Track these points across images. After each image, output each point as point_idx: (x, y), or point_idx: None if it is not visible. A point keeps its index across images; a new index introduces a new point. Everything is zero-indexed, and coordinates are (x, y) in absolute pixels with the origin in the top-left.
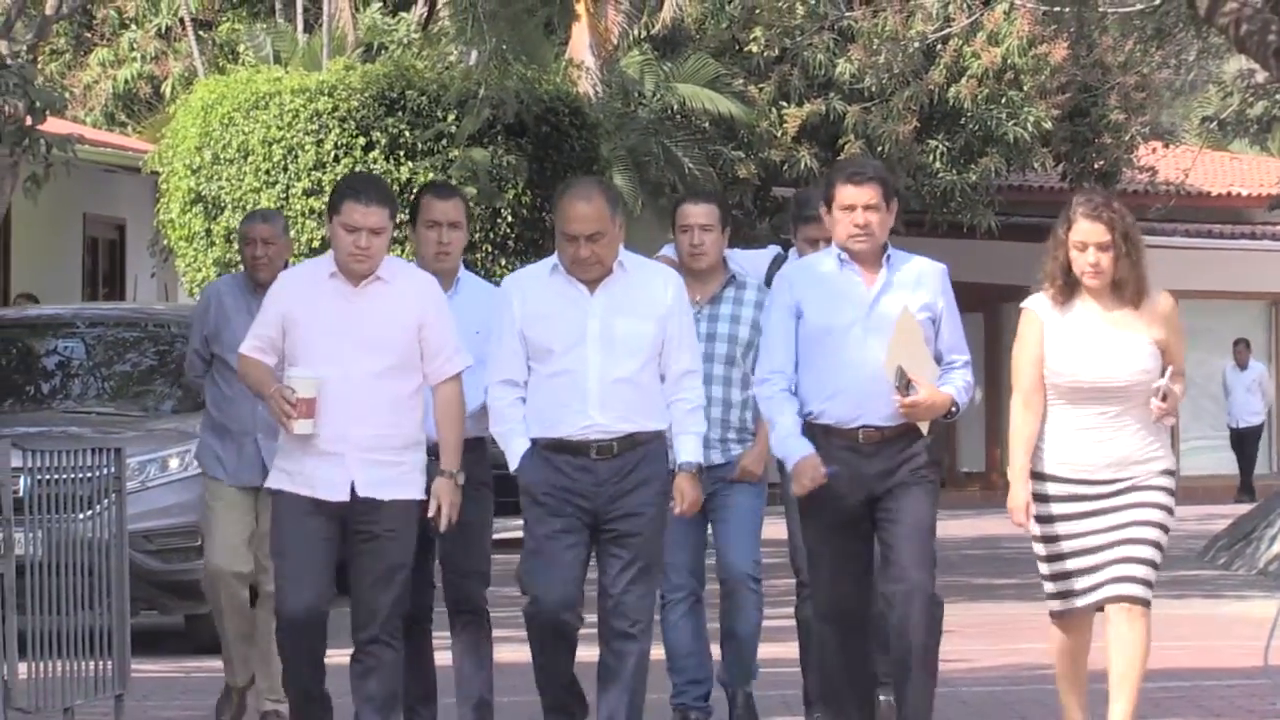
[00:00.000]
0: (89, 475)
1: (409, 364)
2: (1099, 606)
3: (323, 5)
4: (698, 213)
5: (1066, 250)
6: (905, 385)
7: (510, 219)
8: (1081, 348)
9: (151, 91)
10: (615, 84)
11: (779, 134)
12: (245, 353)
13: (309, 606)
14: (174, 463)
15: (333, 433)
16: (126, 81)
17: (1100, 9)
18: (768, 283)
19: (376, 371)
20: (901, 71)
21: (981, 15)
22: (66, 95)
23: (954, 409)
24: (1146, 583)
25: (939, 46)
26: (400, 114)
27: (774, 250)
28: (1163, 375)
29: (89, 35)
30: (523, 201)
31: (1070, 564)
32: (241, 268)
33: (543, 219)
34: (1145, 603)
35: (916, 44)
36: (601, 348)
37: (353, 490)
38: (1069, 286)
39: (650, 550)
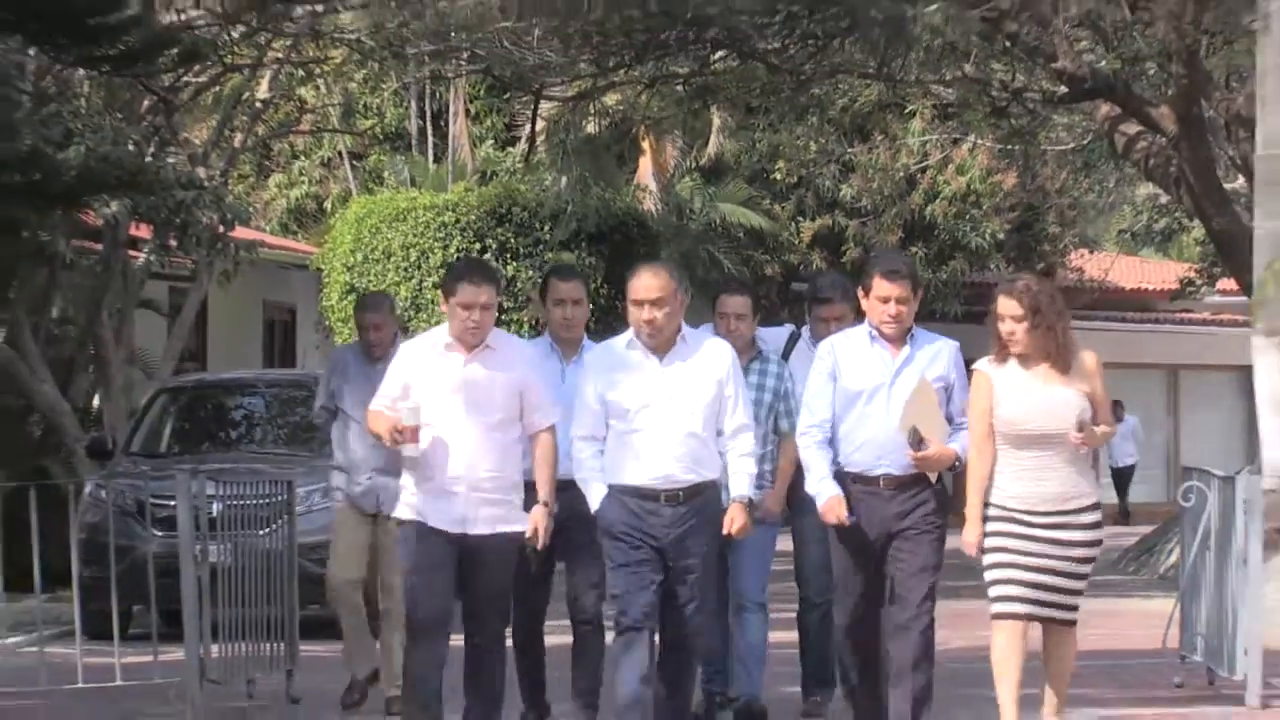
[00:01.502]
0: (267, 501)
1: (512, 419)
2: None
3: (448, 141)
4: (734, 303)
5: (995, 320)
6: (918, 442)
7: (590, 308)
8: (1022, 401)
9: (316, 207)
10: (671, 203)
11: (796, 242)
12: (374, 409)
13: (434, 615)
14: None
15: (450, 476)
16: (297, 199)
17: (1042, 147)
18: (785, 355)
19: (487, 425)
20: (890, 194)
21: (950, 151)
22: (250, 210)
23: (958, 462)
24: (1074, 607)
25: (918, 175)
26: (507, 225)
27: (789, 329)
28: (1083, 422)
29: (268, 163)
30: (600, 294)
31: (1014, 580)
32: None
33: (616, 307)
34: (1073, 623)
35: (901, 173)
36: (669, 408)
37: (465, 524)
38: (1005, 351)
39: (701, 580)
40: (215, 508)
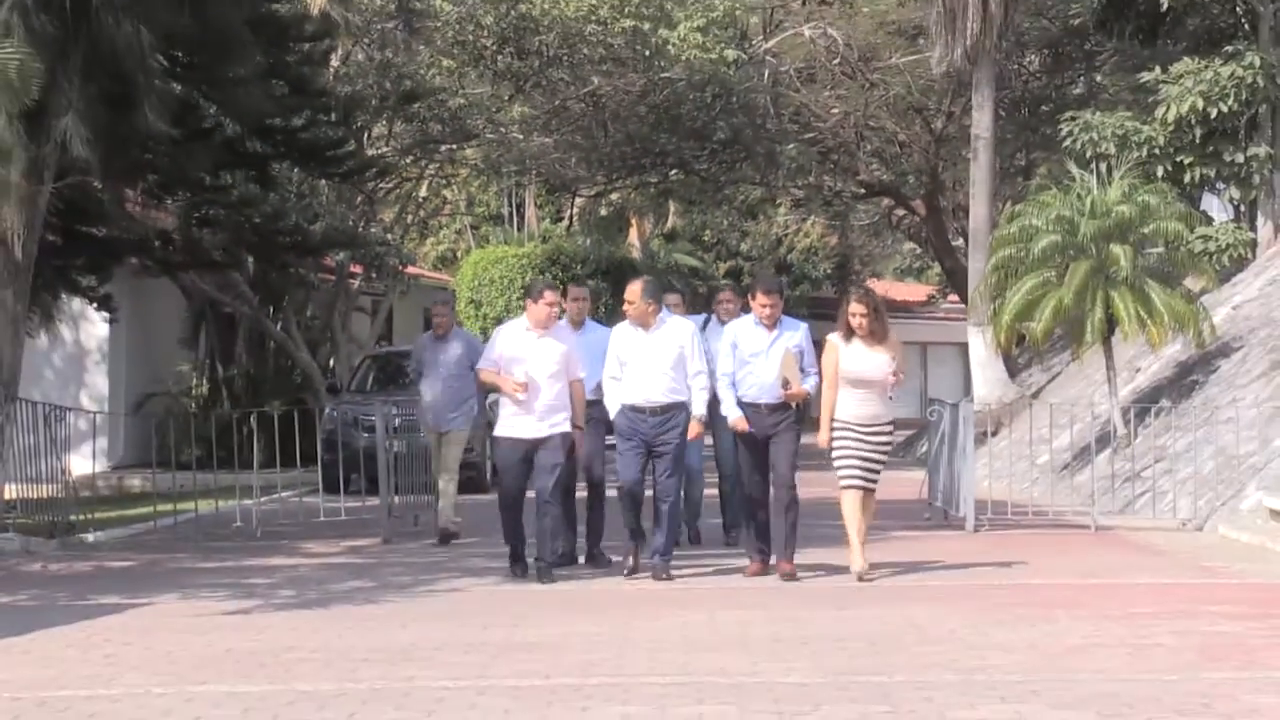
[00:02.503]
0: None
1: (562, 372)
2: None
3: (524, 218)
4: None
5: (847, 315)
6: (785, 384)
7: (600, 314)
8: (857, 360)
9: (452, 256)
10: (647, 253)
11: (716, 274)
12: (482, 368)
13: (515, 491)
14: None
15: (529, 405)
16: (441, 251)
17: (851, 222)
18: (702, 329)
19: (549, 374)
20: (766, 248)
21: (801, 225)
22: (415, 257)
23: (809, 395)
24: (875, 479)
25: (783, 238)
26: (557, 265)
27: (705, 315)
28: (894, 373)
29: (426, 231)
30: (607, 305)
31: (850, 465)
32: (437, 327)
33: (618, 309)
34: (873, 490)
35: (773, 237)
36: (652, 358)
37: (537, 433)
38: (850, 332)
39: (677, 461)
40: (396, 421)
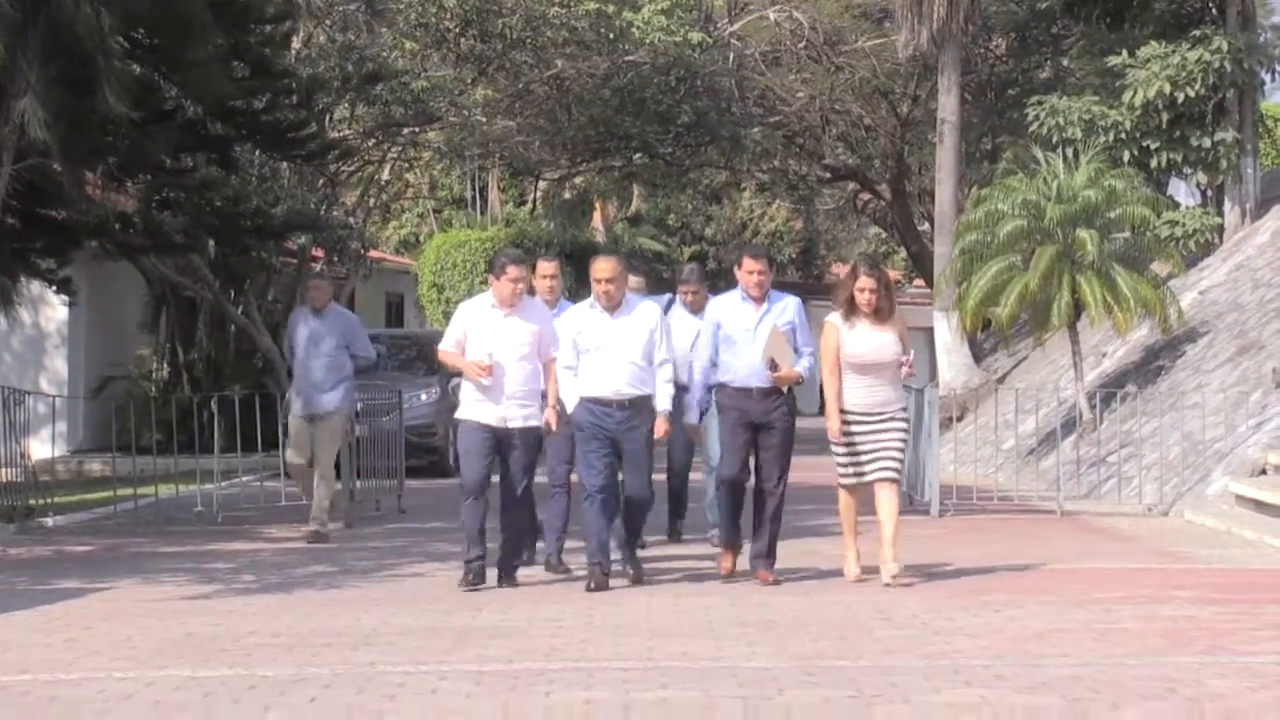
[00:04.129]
0: (386, 401)
1: (533, 352)
2: (869, 484)
3: (488, 202)
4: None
5: (852, 290)
6: (773, 366)
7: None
8: (862, 342)
9: (415, 239)
10: (611, 237)
11: (680, 259)
12: (443, 348)
13: (478, 480)
14: (423, 396)
15: (494, 388)
16: (404, 234)
17: (816, 206)
18: (665, 311)
19: (518, 356)
20: (731, 233)
21: (766, 209)
22: (378, 240)
23: (801, 379)
24: (897, 470)
25: (748, 221)
26: (520, 249)
27: (668, 296)
28: (905, 354)
29: (388, 214)
30: (570, 290)
31: (858, 458)
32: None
33: (582, 293)
34: (897, 480)
35: (738, 221)
36: (617, 346)
37: (505, 421)
38: (853, 309)
39: (643, 458)
40: (358, 405)
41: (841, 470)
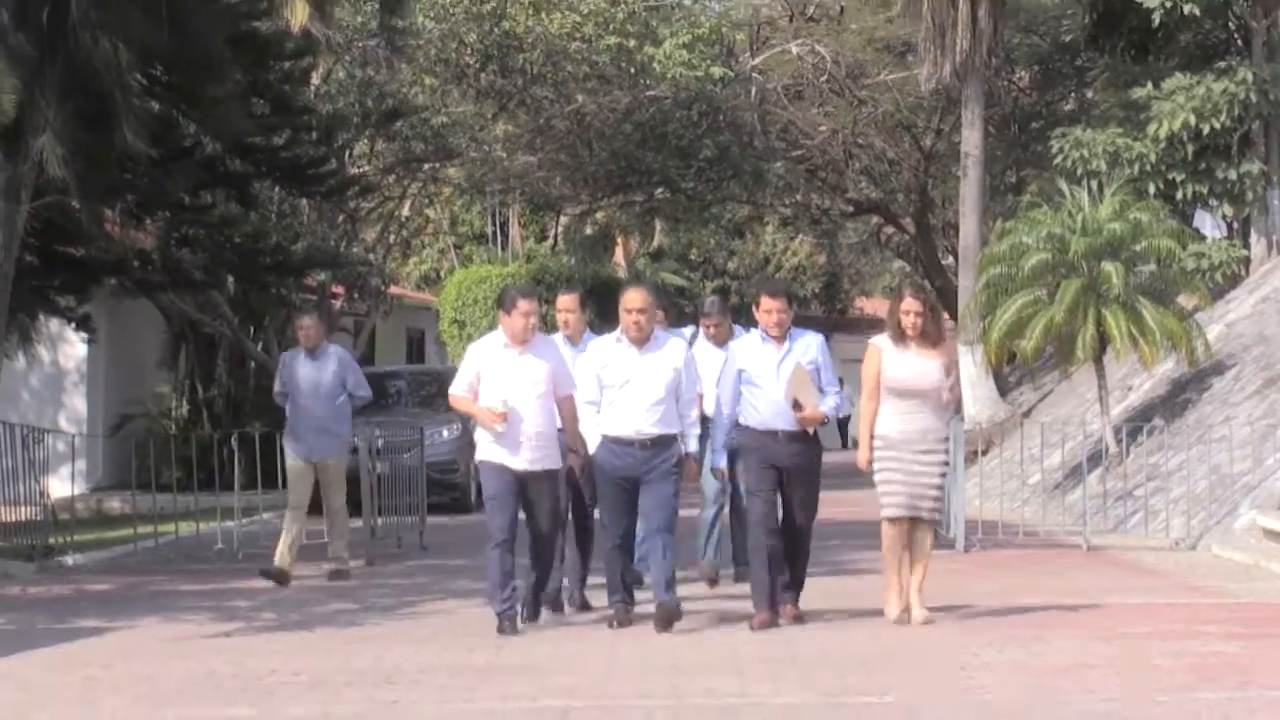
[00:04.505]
0: (408, 437)
1: (549, 391)
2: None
3: (508, 237)
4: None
5: (898, 314)
6: (796, 406)
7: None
8: (905, 366)
9: (435, 275)
10: (633, 272)
11: (702, 291)
12: (455, 393)
13: (506, 524)
14: (445, 432)
15: (511, 432)
16: (424, 270)
17: (839, 240)
18: (689, 344)
19: (534, 395)
20: (754, 267)
21: (789, 244)
22: (398, 276)
23: (826, 419)
24: (935, 509)
25: (771, 256)
26: (542, 285)
27: (692, 328)
28: (948, 381)
29: (409, 250)
30: (594, 325)
31: (893, 490)
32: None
33: (602, 331)
34: (935, 522)
35: (761, 255)
36: (646, 384)
37: (528, 465)
38: (900, 332)
39: (667, 498)
40: (379, 442)
41: (884, 500)
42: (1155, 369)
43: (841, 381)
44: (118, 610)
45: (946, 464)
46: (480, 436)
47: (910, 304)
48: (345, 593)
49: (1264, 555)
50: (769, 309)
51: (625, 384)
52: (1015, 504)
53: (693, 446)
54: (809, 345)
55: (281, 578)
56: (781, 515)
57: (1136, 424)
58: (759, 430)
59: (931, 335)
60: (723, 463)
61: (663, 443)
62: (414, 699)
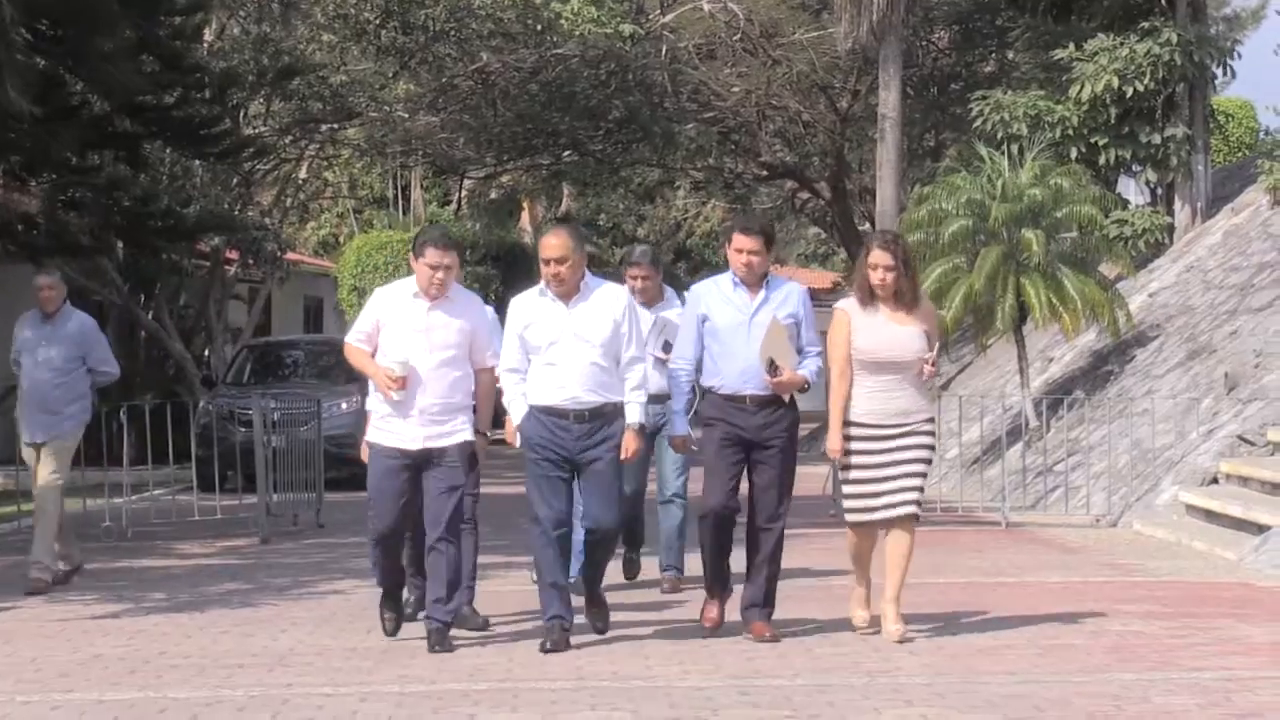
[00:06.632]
0: (304, 410)
1: (462, 356)
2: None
3: (410, 202)
4: (638, 268)
5: (865, 270)
6: (773, 369)
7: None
8: (877, 333)
9: (334, 240)
10: (537, 237)
11: (612, 260)
12: (350, 342)
13: (390, 522)
14: (344, 404)
15: (408, 401)
16: (323, 235)
17: (753, 205)
18: None
19: (440, 361)
20: (664, 233)
21: (700, 209)
22: (296, 242)
23: (807, 385)
24: (917, 502)
25: (682, 222)
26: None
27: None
28: (929, 352)
29: (306, 215)
30: (497, 293)
31: (869, 488)
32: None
33: (506, 300)
34: (917, 517)
35: (672, 221)
36: (579, 343)
37: (423, 441)
38: (868, 294)
39: (609, 481)
40: (275, 415)
41: (849, 504)
42: (1076, 340)
43: (824, 338)
44: (1, 591)
45: (931, 448)
46: (372, 406)
47: (879, 257)
48: (239, 572)
49: (1186, 532)
50: (742, 248)
51: (553, 345)
52: (932, 480)
53: (632, 416)
54: (789, 295)
55: (38, 589)
56: (749, 507)
57: (1057, 397)
58: (723, 396)
59: (906, 296)
60: (684, 428)
61: (603, 415)
62: (309, 682)
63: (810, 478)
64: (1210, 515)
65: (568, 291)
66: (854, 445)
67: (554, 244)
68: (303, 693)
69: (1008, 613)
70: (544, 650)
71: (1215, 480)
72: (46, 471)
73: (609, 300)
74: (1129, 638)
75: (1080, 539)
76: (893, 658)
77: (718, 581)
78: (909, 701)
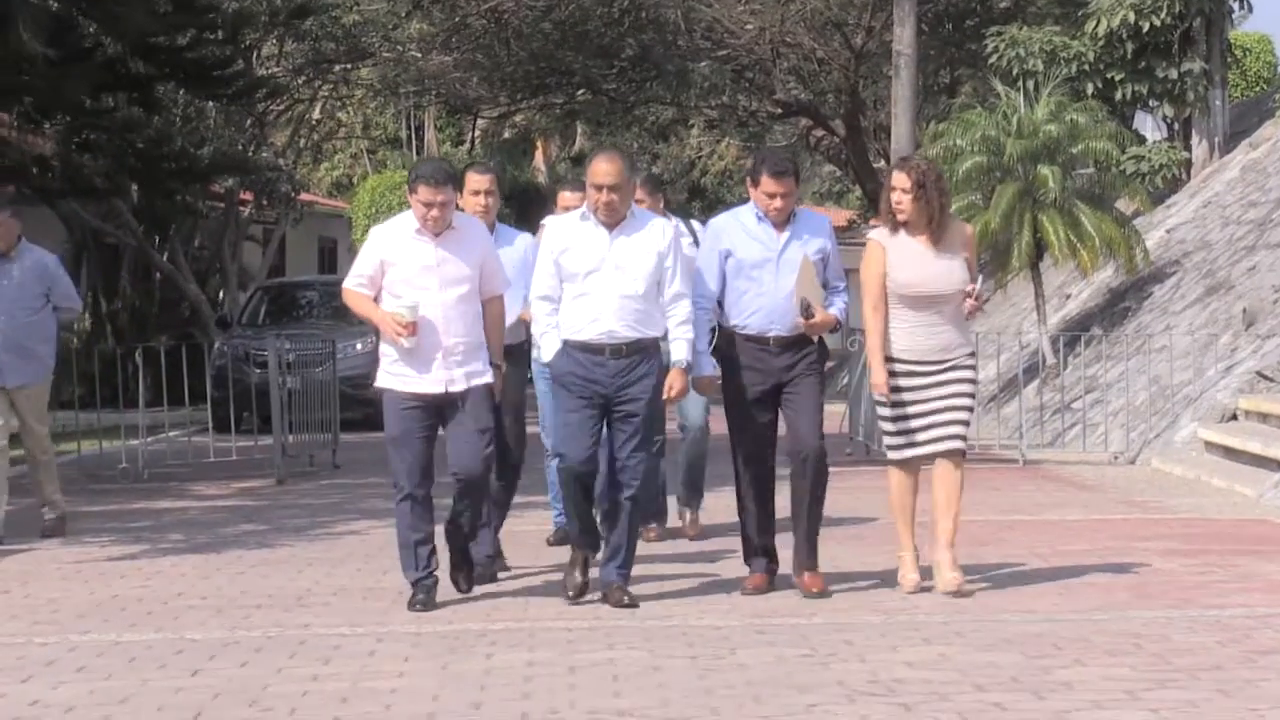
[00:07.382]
0: (320, 351)
1: (473, 291)
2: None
3: (424, 142)
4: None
5: (887, 193)
6: (808, 311)
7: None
8: (914, 266)
9: (348, 181)
10: (552, 178)
11: None
12: (350, 287)
13: (416, 474)
14: (359, 345)
15: (425, 347)
16: (336, 176)
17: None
18: None
19: (454, 298)
20: (679, 171)
21: (715, 147)
22: (309, 182)
23: (838, 325)
24: (960, 436)
25: (696, 160)
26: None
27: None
28: (970, 292)
29: (320, 155)
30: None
31: (911, 423)
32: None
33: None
34: (964, 452)
35: (686, 160)
36: (614, 274)
37: (446, 385)
38: (895, 222)
39: (648, 430)
40: (290, 355)
41: (890, 440)
42: (1094, 277)
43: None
44: (17, 532)
45: (975, 382)
46: (383, 352)
47: (896, 179)
48: (255, 513)
49: (1205, 469)
50: (774, 192)
51: (591, 275)
52: None
53: (678, 354)
54: (817, 228)
55: (52, 531)
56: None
57: (1075, 334)
58: (747, 337)
59: (935, 221)
60: (710, 369)
61: (642, 349)
62: (326, 622)
63: (826, 417)
64: (1229, 452)
65: (615, 220)
66: (895, 381)
67: (606, 169)
68: (320, 633)
69: (1026, 550)
70: (567, 598)
71: (1234, 417)
72: (32, 422)
73: (654, 231)
74: (1148, 575)
75: (1098, 476)
76: (910, 597)
77: (767, 543)
78: (927, 640)
